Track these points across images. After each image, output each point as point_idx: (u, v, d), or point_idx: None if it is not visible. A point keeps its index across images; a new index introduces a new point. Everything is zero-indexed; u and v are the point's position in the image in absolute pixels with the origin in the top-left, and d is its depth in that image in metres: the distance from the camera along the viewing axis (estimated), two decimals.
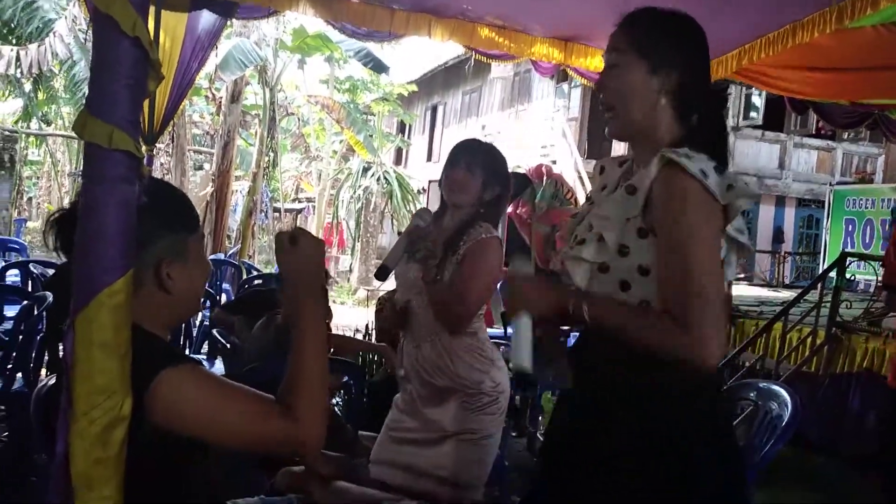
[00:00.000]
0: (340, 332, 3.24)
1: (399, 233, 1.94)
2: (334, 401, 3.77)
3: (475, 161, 2.12)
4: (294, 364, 1.14)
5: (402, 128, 22.19)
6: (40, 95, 15.43)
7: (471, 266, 2.04)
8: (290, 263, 1.17)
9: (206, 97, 14.30)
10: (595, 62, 3.88)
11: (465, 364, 2.06)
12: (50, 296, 3.89)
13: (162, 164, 9.37)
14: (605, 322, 1.27)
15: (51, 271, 5.40)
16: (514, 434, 4.20)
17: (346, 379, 2.88)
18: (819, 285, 5.14)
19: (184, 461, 1.17)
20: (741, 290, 9.58)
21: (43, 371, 3.10)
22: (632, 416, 1.27)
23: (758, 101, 14.76)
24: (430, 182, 19.75)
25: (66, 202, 16.17)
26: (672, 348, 1.20)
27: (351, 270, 14.58)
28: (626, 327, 1.26)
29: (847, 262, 5.12)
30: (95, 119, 1.01)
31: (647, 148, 1.34)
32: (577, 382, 1.39)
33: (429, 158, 20.64)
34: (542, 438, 4.30)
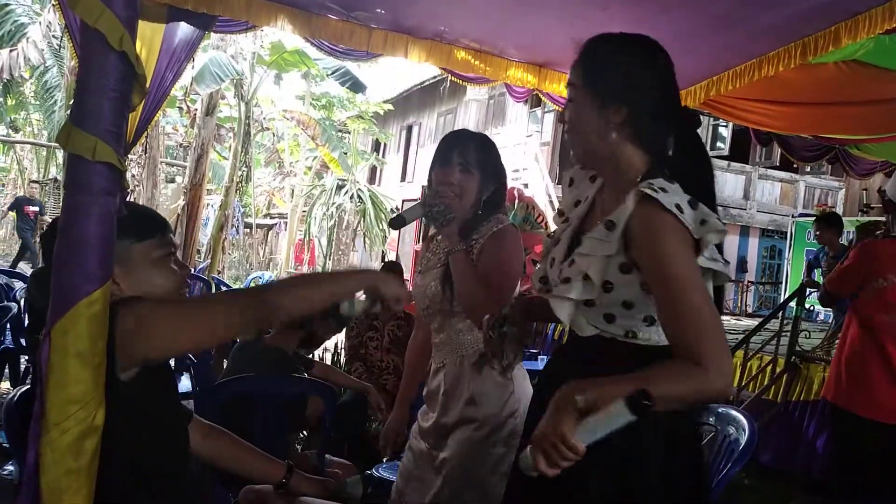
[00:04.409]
0: (323, 362, 3.23)
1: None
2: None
3: (470, 159, 1.88)
4: None
5: (376, 146, 22.21)
6: (9, 101, 15.16)
7: (490, 259, 1.81)
8: None
9: (181, 109, 14.18)
10: None
11: (485, 389, 1.82)
12: (14, 307, 3.82)
13: (133, 176, 9.25)
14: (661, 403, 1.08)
15: (16, 282, 5.30)
16: None
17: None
18: (779, 315, 5.27)
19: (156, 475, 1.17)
20: None
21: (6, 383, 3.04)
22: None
23: (725, 132, 15.11)
24: (403, 201, 19.75)
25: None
26: (700, 389, 1.15)
27: None
28: (665, 391, 1.10)
29: (807, 293, 5.25)
30: (79, 131, 1.02)
31: (614, 175, 1.34)
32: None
33: (403, 178, 20.65)
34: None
